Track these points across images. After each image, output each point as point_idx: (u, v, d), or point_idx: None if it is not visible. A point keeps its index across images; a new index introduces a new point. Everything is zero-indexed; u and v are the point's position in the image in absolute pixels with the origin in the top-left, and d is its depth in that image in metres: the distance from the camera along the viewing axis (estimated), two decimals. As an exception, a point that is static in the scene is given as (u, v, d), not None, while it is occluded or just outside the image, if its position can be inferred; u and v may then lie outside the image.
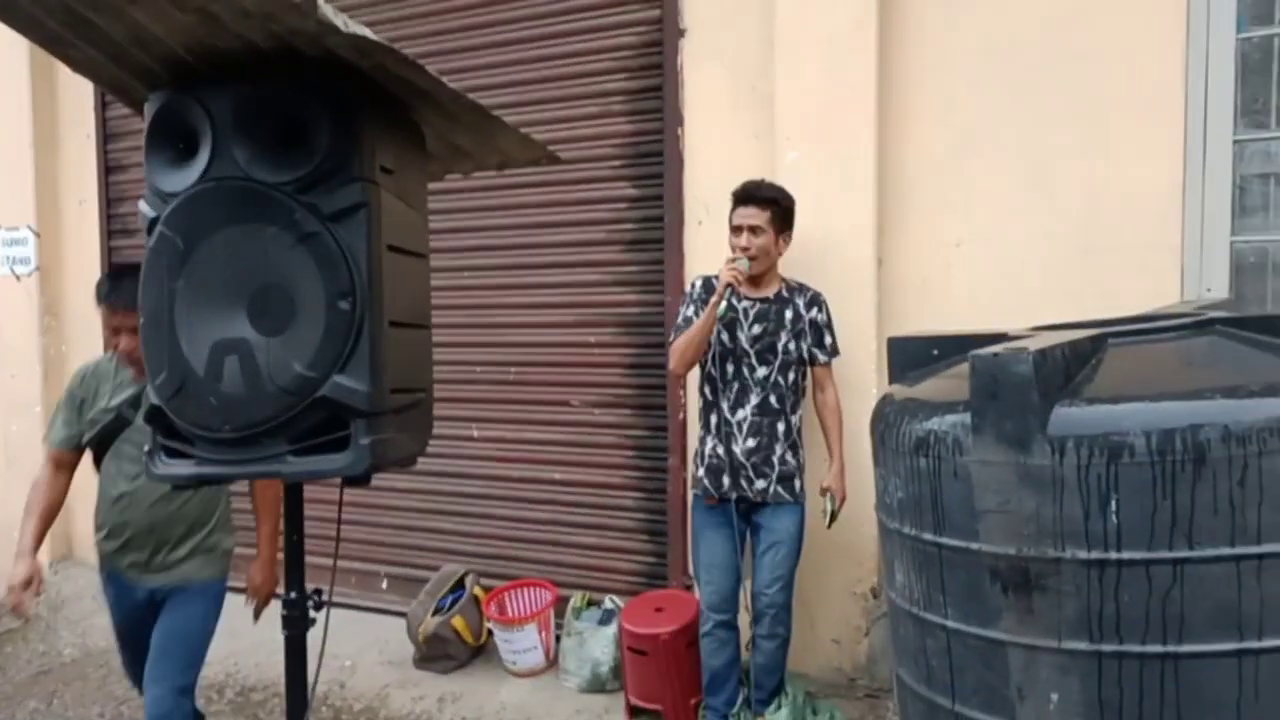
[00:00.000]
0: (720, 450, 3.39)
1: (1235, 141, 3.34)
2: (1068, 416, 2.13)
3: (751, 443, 3.36)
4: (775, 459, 3.37)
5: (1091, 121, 3.49)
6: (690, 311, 3.42)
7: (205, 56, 1.97)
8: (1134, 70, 3.41)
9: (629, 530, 4.40)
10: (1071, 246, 3.50)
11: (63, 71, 2.21)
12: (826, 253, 3.71)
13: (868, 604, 3.80)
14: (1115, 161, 3.45)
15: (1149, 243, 3.39)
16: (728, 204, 3.83)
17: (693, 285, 3.53)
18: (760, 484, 3.36)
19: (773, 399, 3.38)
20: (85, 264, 5.86)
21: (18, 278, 5.89)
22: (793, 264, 3.76)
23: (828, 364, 3.50)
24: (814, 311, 3.45)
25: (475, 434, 4.74)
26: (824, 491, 3.49)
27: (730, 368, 3.39)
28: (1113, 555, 2.00)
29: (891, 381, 2.84)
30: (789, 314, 3.41)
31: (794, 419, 3.43)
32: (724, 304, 3.21)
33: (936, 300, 3.69)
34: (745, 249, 3.32)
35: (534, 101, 4.42)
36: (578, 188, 4.38)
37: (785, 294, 3.45)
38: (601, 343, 4.39)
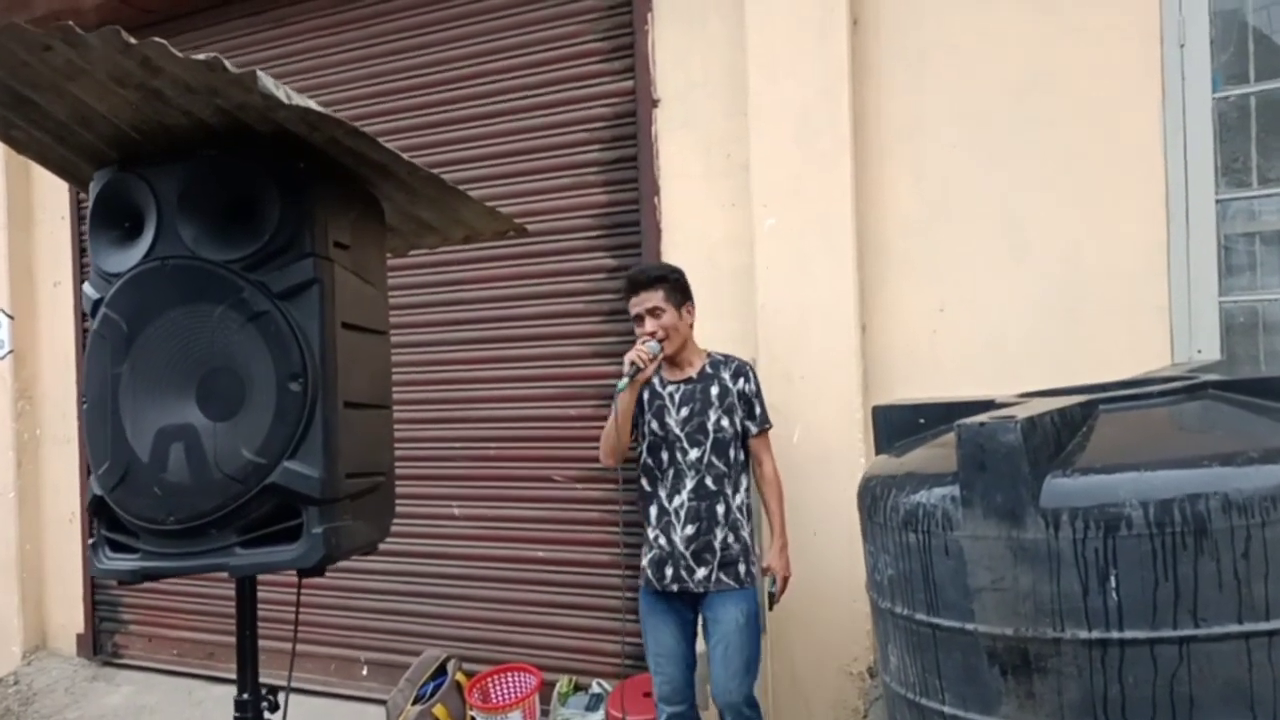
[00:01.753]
0: (662, 540, 3.24)
1: (1218, 201, 3.29)
2: (1060, 487, 2.03)
3: (690, 529, 3.21)
4: (716, 544, 3.21)
5: (1069, 184, 3.45)
6: (619, 403, 3.28)
7: (154, 134, 1.92)
8: (1111, 132, 3.38)
9: (615, 610, 4.25)
10: (1056, 309, 3.44)
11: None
12: (807, 319, 3.64)
13: (864, 684, 3.65)
14: (1096, 223, 3.40)
15: (1135, 304, 3.33)
16: (707, 273, 3.78)
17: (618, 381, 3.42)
18: (701, 572, 3.20)
19: (709, 481, 3.23)
20: (60, 347, 5.77)
21: (-10, 362, 5.80)
22: (773, 331, 3.70)
23: (761, 435, 3.37)
24: (741, 382, 3.33)
25: (456, 512, 4.61)
26: (765, 571, 3.34)
27: (665, 455, 3.26)
28: (1115, 635, 1.89)
29: (877, 452, 2.75)
30: (715, 389, 3.28)
31: (735, 499, 3.27)
32: (623, 380, 3.07)
33: (923, 367, 3.61)
34: (652, 333, 3.20)
35: (509, 174, 4.38)
36: (555, 259, 4.32)
37: (709, 370, 3.32)
38: (582, 415, 4.29)
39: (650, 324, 3.19)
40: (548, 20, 4.32)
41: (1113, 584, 1.88)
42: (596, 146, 4.23)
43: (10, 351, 5.75)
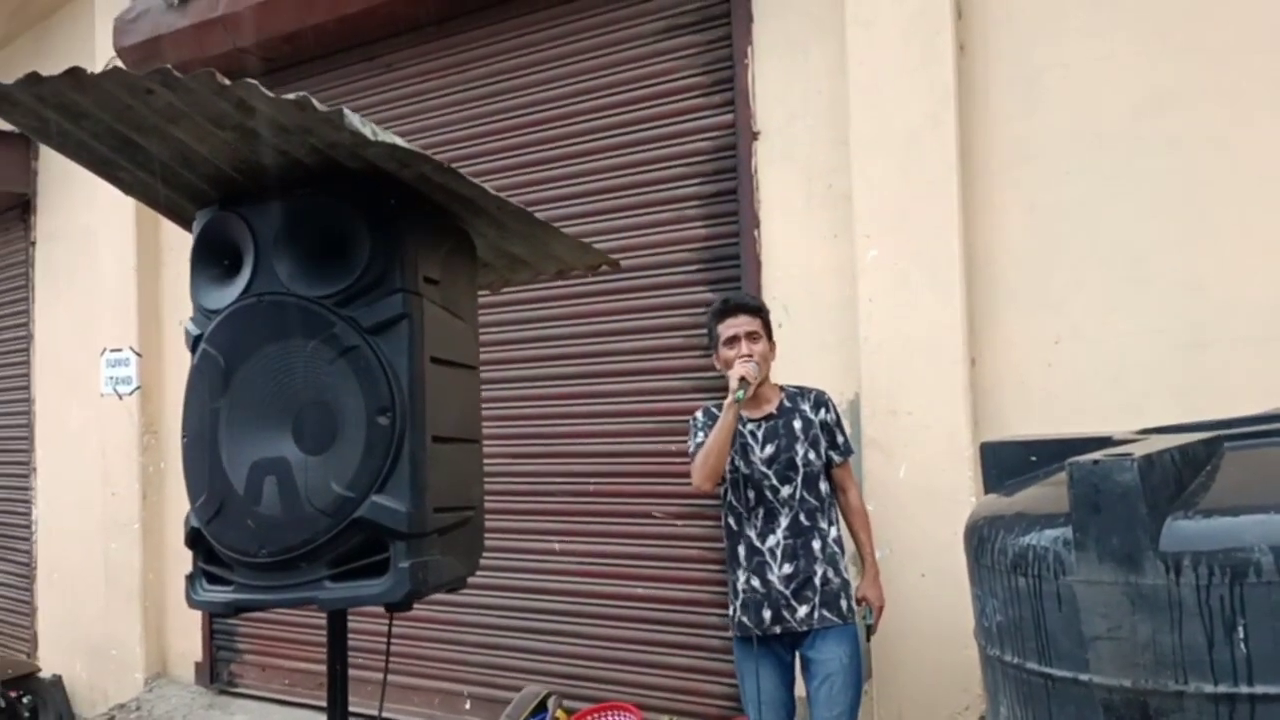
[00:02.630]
0: (755, 582, 3.14)
1: (1357, 225, 3.08)
2: (1182, 530, 1.90)
3: (788, 568, 3.11)
4: (816, 580, 3.11)
5: (1192, 211, 3.27)
6: (700, 438, 3.20)
7: (252, 174, 1.97)
8: (1236, 156, 3.19)
9: (716, 650, 4.17)
10: (1179, 342, 3.25)
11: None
12: (913, 352, 3.53)
13: (976, 734, 3.49)
14: (1222, 252, 3.21)
15: (1263, 337, 3.12)
16: (808, 306, 3.71)
17: (694, 418, 3.32)
18: (803, 610, 3.10)
19: (802, 517, 3.14)
20: (183, 383, 5.99)
21: (120, 397, 6.08)
22: (876, 365, 3.59)
23: (844, 464, 3.28)
24: (822, 413, 3.24)
25: (557, 548, 4.61)
26: (859, 602, 3.24)
27: (751, 493, 3.17)
28: (1244, 689, 1.75)
29: (986, 491, 2.63)
30: (798, 423, 3.20)
31: (830, 533, 3.18)
32: (741, 391, 2.98)
33: (1036, 402, 3.45)
34: (749, 355, 3.11)
35: (608, 210, 4.40)
36: (654, 293, 4.31)
37: (789, 403, 3.24)
38: (683, 451, 4.21)
39: (747, 346, 3.13)
40: (647, 57, 4.34)
41: (1241, 634, 1.74)
42: (696, 180, 4.21)
43: (138, 388, 6.03)
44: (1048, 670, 2.10)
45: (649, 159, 4.33)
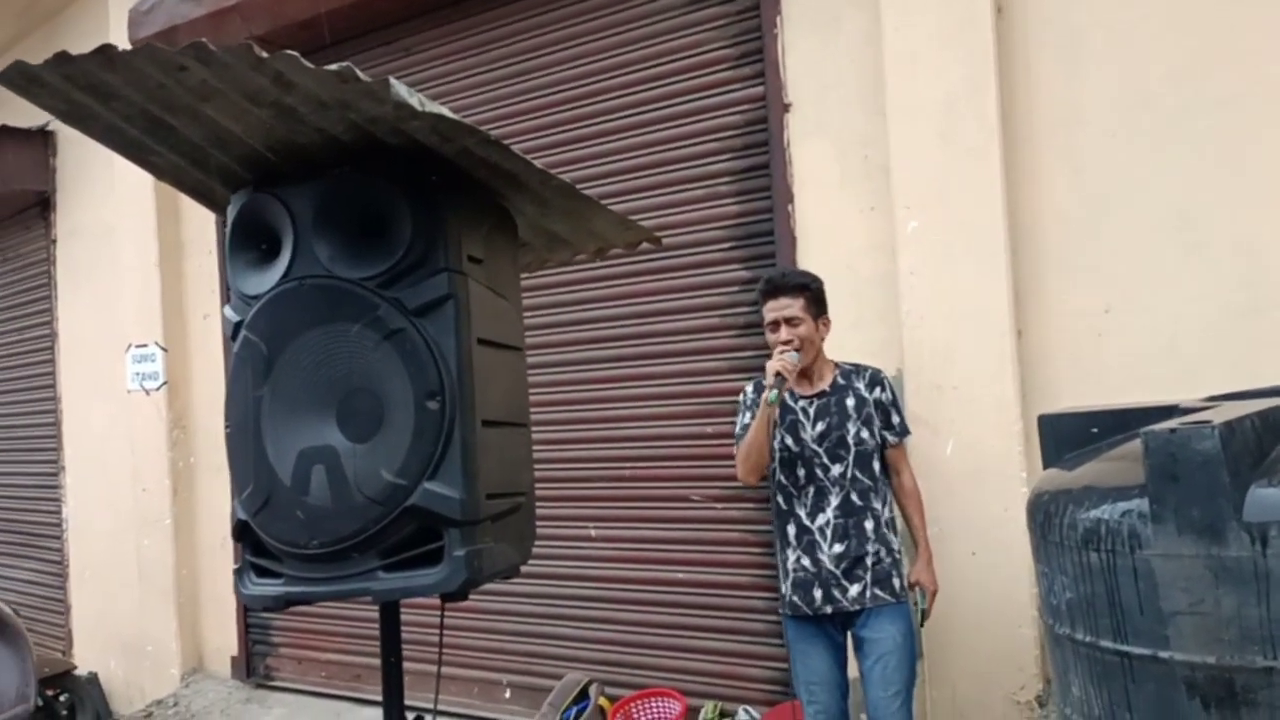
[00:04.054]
0: (805, 561, 3.08)
1: None
2: (1267, 499, 1.84)
3: (839, 547, 3.04)
4: (868, 559, 3.05)
5: (1245, 171, 3.17)
6: (746, 419, 3.16)
7: (286, 153, 1.90)
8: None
9: (760, 634, 4.11)
10: (1236, 308, 3.15)
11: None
12: (957, 326, 3.44)
13: (1033, 714, 3.41)
14: (1276, 214, 3.11)
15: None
16: (846, 282, 3.63)
17: (744, 392, 3.27)
18: (854, 589, 3.04)
19: (854, 496, 3.07)
20: (210, 377, 5.99)
21: (147, 393, 6.06)
22: (919, 340, 3.51)
23: (899, 445, 3.21)
24: (877, 391, 3.16)
25: (593, 534, 4.55)
26: (913, 586, 3.18)
27: (801, 471, 3.10)
28: (1340, 664, 1.67)
29: (1046, 464, 2.55)
30: (851, 401, 3.12)
31: (883, 513, 3.11)
32: (774, 391, 2.91)
33: (1087, 373, 3.36)
34: (787, 342, 3.03)
35: (637, 189, 4.32)
36: (686, 272, 4.23)
37: (842, 381, 3.16)
38: (719, 433, 4.17)
39: (786, 333, 3.05)
40: (673, 31, 4.26)
41: (1338, 607, 1.66)
42: (727, 155, 4.12)
43: (165, 383, 6.01)
44: (1124, 648, 2.03)
45: (677, 135, 4.24)
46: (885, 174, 3.65)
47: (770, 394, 2.90)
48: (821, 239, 3.86)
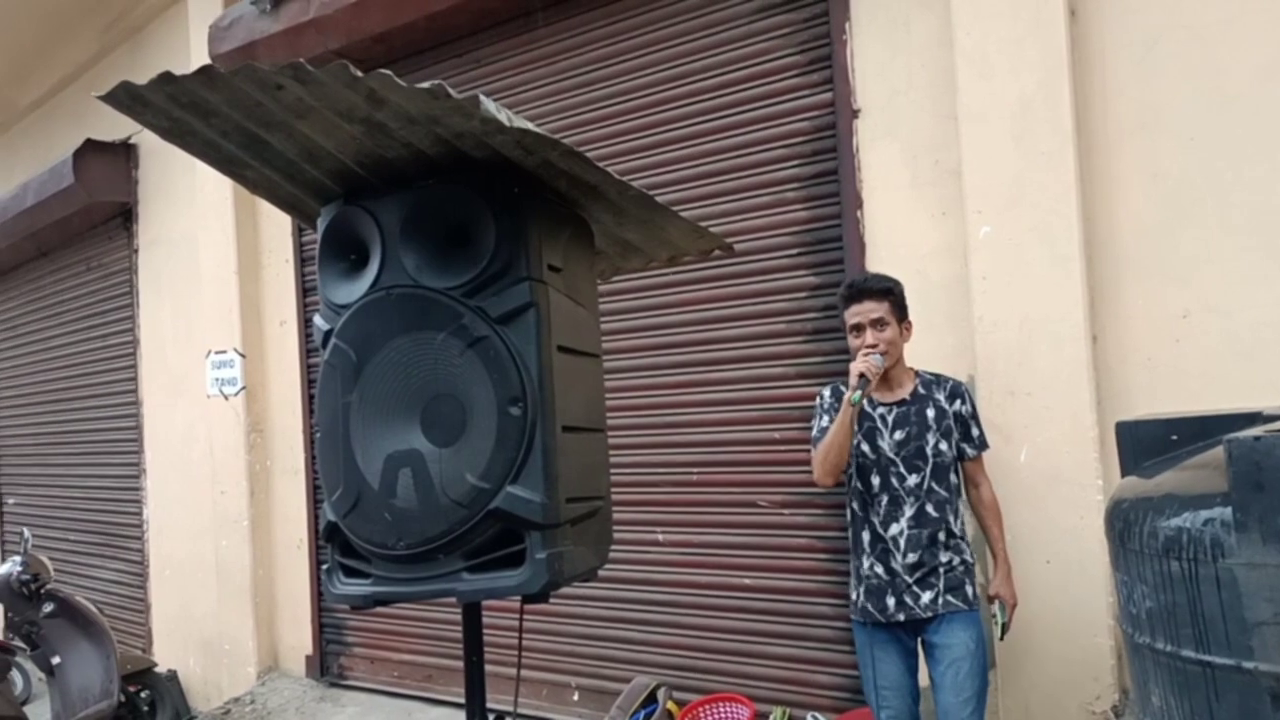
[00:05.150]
0: (879, 569, 3.06)
1: None
2: (1357, 508, 1.79)
3: (913, 557, 3.02)
4: (941, 567, 3.03)
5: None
6: (825, 422, 3.13)
7: (374, 167, 1.96)
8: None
9: (828, 640, 4.10)
10: (1319, 313, 3.09)
11: (262, 201, 2.28)
12: (1031, 331, 3.41)
13: (1107, 725, 3.36)
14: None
15: None
16: (918, 286, 3.61)
17: (821, 395, 3.24)
18: (927, 596, 3.02)
19: (929, 508, 3.04)
20: (287, 382, 6.15)
21: (226, 398, 6.23)
22: (992, 346, 3.48)
23: (978, 458, 3.18)
24: (957, 404, 3.12)
25: (660, 539, 4.58)
26: (992, 599, 3.15)
27: (876, 479, 3.07)
28: None
29: (1124, 472, 2.52)
30: (931, 412, 3.09)
31: (956, 525, 3.09)
32: (857, 393, 2.88)
33: (1164, 379, 3.30)
34: (873, 346, 3.01)
35: (706, 196, 4.34)
36: (755, 279, 4.24)
37: (923, 390, 3.13)
38: (787, 438, 4.18)
39: (872, 336, 3.03)
40: (741, 39, 4.27)
41: None
42: (795, 162, 4.13)
43: (243, 388, 6.17)
44: (1206, 658, 2.01)
45: (745, 142, 4.26)
46: (956, 178, 3.63)
47: (854, 395, 2.88)
48: (891, 244, 3.84)
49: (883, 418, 3.10)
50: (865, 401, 3.04)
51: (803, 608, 4.18)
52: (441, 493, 1.83)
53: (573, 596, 4.62)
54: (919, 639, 3.10)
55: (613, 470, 2.27)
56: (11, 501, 9.43)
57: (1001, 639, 3.16)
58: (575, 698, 4.85)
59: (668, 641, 4.55)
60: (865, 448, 3.08)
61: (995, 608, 3.14)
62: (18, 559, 5.35)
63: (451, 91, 1.58)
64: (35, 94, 8.64)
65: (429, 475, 1.85)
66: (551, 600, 1.93)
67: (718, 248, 2.66)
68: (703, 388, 4.44)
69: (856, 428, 3.06)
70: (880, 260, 3.84)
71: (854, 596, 3.15)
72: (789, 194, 4.15)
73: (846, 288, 3.17)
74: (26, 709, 5.91)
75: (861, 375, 2.91)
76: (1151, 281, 3.34)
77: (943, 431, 3.07)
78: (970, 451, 3.14)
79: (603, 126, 4.72)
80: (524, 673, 4.87)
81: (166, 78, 1.66)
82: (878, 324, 3.04)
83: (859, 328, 3.07)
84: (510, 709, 2.29)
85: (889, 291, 3.09)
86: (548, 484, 1.84)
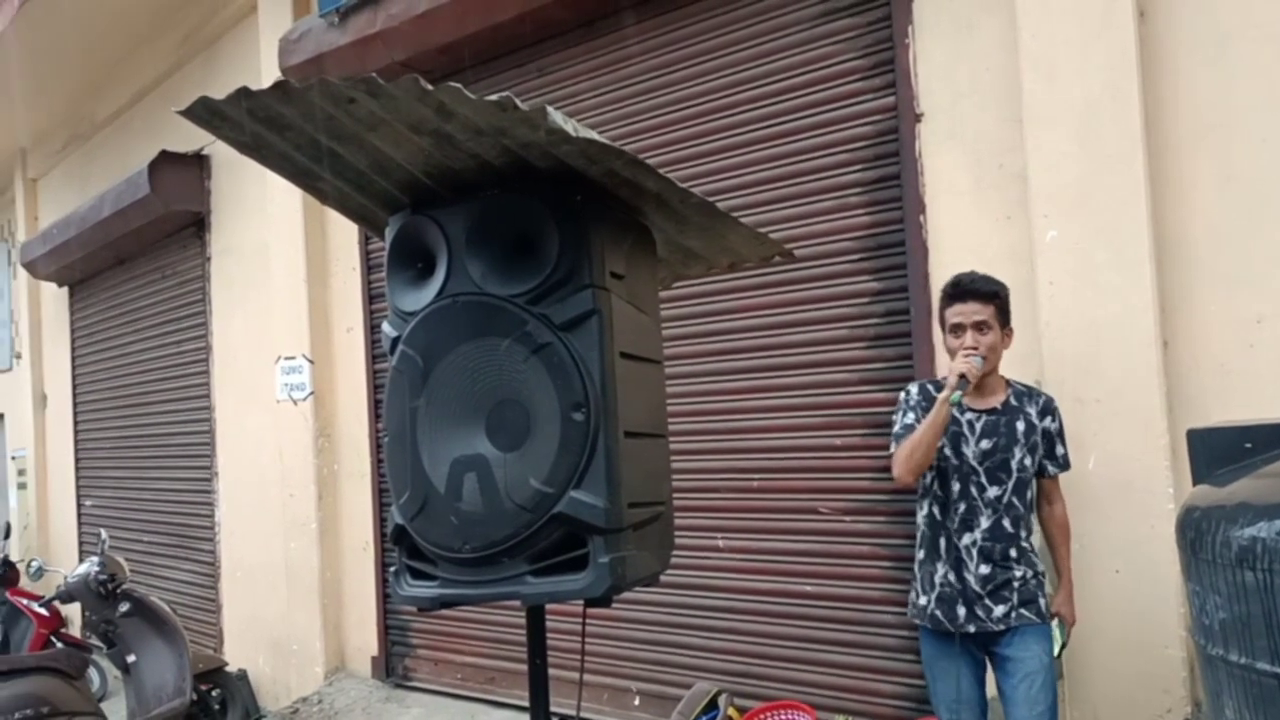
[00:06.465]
0: (952, 577, 3.00)
1: None
2: None
3: (985, 569, 2.96)
4: (1015, 581, 2.97)
5: None
6: (910, 419, 3.05)
7: (441, 177, 2.00)
8: None
9: (890, 649, 4.06)
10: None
11: (330, 210, 2.34)
12: (1099, 337, 3.35)
13: (1179, 738, 3.29)
14: None
15: None
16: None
17: (907, 392, 3.16)
18: (1000, 610, 2.96)
19: (1006, 522, 2.97)
20: (354, 387, 6.26)
21: (295, 403, 6.37)
22: (1059, 352, 3.43)
23: (1056, 477, 3.12)
24: (1048, 420, 3.05)
25: (720, 544, 4.58)
26: (1053, 617, 3.08)
27: (956, 486, 3.01)
28: None
29: (1196, 480, 2.47)
30: (1021, 425, 3.01)
31: (1028, 540, 3.03)
32: (956, 393, 2.82)
33: (1238, 386, 3.22)
34: (974, 349, 2.92)
35: (766, 202, 4.34)
36: (816, 285, 4.22)
37: (1014, 402, 3.05)
38: (849, 445, 4.15)
39: (973, 339, 2.95)
40: (803, 44, 4.26)
41: None
42: (858, 167, 4.11)
43: (311, 393, 6.30)
44: (1283, 671, 1.96)
45: (807, 147, 4.25)
46: (1022, 182, 3.58)
47: (953, 394, 2.83)
48: (955, 249, 3.80)
49: (970, 424, 3.02)
50: (964, 383, 2.93)
51: (865, 615, 4.15)
52: (506, 497, 1.87)
53: (634, 601, 4.64)
54: (987, 650, 3.06)
55: (674, 476, 2.28)
56: (89, 504, 9.72)
57: (1059, 657, 3.10)
58: (636, 702, 4.87)
59: (729, 648, 4.55)
60: (948, 452, 3.01)
61: (1055, 625, 3.08)
62: (95, 559, 5.51)
63: (519, 104, 1.61)
64: (112, 107, 8.92)
65: (494, 479, 1.89)
66: (613, 605, 1.95)
67: (779, 254, 2.67)
68: (764, 394, 4.44)
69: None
70: (944, 264, 3.80)
71: (923, 603, 3.09)
72: (851, 199, 4.13)
73: (952, 285, 3.06)
74: (103, 705, 6.07)
75: (962, 376, 2.84)
76: (1224, 286, 3.27)
77: (1029, 447, 3.00)
78: (1052, 470, 3.09)
79: (664, 133, 4.74)
80: (587, 677, 4.91)
81: (243, 93, 1.72)
82: (980, 327, 2.96)
83: (959, 328, 2.99)
84: (573, 713, 2.31)
85: (995, 295, 3.01)
86: (610, 489, 1.86)
